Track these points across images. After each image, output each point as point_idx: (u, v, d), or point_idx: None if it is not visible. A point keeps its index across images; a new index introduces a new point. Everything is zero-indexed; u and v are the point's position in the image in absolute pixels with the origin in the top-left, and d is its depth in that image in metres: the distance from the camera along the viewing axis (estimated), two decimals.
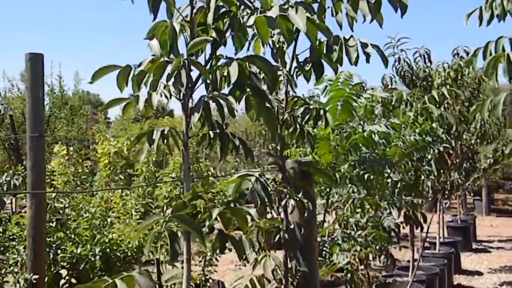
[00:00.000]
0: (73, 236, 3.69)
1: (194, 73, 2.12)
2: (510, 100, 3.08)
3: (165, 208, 3.96)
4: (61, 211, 3.83)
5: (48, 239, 3.47)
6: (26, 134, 3.53)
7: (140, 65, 2.05)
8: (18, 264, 3.37)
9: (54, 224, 3.66)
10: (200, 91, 2.13)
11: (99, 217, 3.90)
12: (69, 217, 3.74)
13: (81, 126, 12.32)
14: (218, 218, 1.89)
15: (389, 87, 5.56)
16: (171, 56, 1.96)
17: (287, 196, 2.51)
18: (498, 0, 3.25)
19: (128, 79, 1.91)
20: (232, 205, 1.96)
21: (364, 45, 2.43)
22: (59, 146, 4.58)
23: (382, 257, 4.01)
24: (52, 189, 4.02)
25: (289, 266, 2.60)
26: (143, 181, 4.53)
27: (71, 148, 5.29)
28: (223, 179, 5.35)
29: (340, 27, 2.49)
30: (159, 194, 4.26)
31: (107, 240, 3.71)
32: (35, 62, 3.62)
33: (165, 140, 1.89)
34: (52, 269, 3.51)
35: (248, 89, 2.09)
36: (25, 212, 3.66)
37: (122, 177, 4.87)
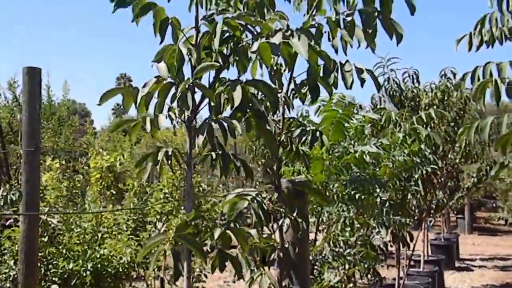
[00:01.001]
0: (64, 251, 3.69)
1: (197, 94, 2.19)
2: (497, 124, 3.19)
3: (157, 223, 3.98)
4: (52, 225, 3.82)
5: (39, 254, 3.46)
6: (19, 147, 3.53)
7: (145, 85, 2.11)
8: (10, 278, 3.34)
9: (46, 239, 3.65)
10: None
11: (91, 232, 3.90)
12: (61, 232, 3.73)
13: (68, 137, 12.21)
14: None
15: (378, 106, 5.70)
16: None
17: (282, 215, 2.57)
18: (487, 26, 3.39)
19: (136, 101, 1.97)
20: (232, 224, 2.01)
21: (359, 71, 2.52)
22: (51, 160, 4.58)
23: (369, 275, 4.08)
24: (44, 204, 4.02)
25: (283, 284, 2.65)
26: (134, 196, 4.54)
27: (63, 162, 5.27)
28: (214, 195, 5.40)
29: (336, 51, 2.59)
30: (151, 209, 4.28)
31: (98, 256, 3.70)
32: (33, 76, 3.64)
33: (169, 161, 1.94)
34: (43, 285, 3.49)
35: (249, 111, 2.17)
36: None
37: (114, 192, 4.87)
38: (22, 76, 3.66)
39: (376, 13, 2.40)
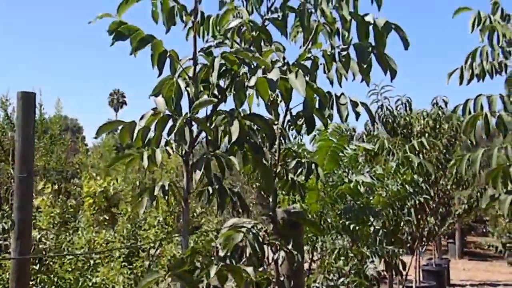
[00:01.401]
0: (56, 280, 3.60)
1: (194, 126, 2.18)
2: (488, 156, 3.22)
3: (151, 251, 3.92)
4: (44, 252, 3.75)
5: (31, 282, 3.38)
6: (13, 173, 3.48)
7: (142, 118, 2.10)
8: None
9: (37, 267, 3.57)
10: None
11: (83, 259, 3.83)
12: (53, 260, 3.65)
13: (60, 156, 12.05)
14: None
15: (372, 132, 5.73)
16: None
17: (277, 247, 2.55)
18: (478, 60, 3.44)
19: (132, 134, 1.95)
20: (228, 260, 1.98)
21: (354, 104, 2.53)
22: (44, 183, 4.52)
23: None
24: (36, 230, 3.95)
25: None
26: (127, 221, 4.48)
27: (55, 185, 5.21)
28: (208, 219, 5.35)
29: (331, 83, 2.60)
30: (145, 236, 4.22)
31: (90, 284, 3.63)
32: (27, 101, 3.62)
33: (166, 196, 1.92)
34: None
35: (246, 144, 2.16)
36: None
37: (107, 217, 4.81)
38: (16, 100, 3.63)
39: (370, 48, 2.43)
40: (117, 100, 64.85)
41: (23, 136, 3.53)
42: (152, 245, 3.98)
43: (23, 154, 3.50)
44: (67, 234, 4.08)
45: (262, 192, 7.09)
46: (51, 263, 3.70)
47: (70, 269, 3.78)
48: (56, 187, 5.07)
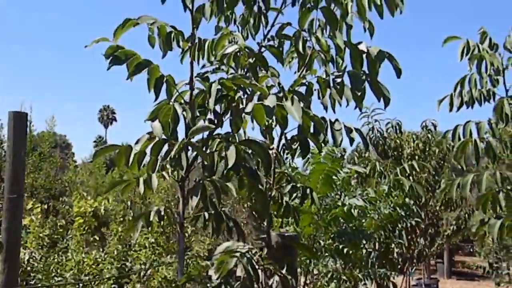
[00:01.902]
0: None
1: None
2: (477, 182, 3.24)
3: (141, 273, 3.85)
4: (32, 274, 3.66)
5: None
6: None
7: (137, 142, 2.09)
8: None
9: None
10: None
11: (72, 281, 3.74)
12: (41, 282, 3.56)
13: (49, 173, 11.89)
14: None
15: (363, 155, 5.76)
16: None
17: (272, 272, 2.52)
18: (466, 87, 3.50)
19: (128, 159, 1.94)
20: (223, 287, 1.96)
21: (348, 130, 2.54)
22: (33, 203, 4.45)
23: None
24: (25, 251, 3.87)
25: None
26: (117, 242, 4.41)
27: (44, 205, 5.12)
28: (199, 240, 5.29)
29: (326, 109, 2.62)
30: (135, 256, 4.14)
31: None
32: (19, 121, 3.57)
33: (161, 221, 1.90)
34: None
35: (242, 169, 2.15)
36: None
37: (97, 238, 4.73)
38: (7, 120, 3.59)
39: (364, 76, 2.45)
40: (107, 117, 64.49)
41: (14, 156, 3.47)
42: (143, 267, 3.91)
43: (14, 174, 3.44)
44: (56, 255, 4.00)
45: (254, 212, 7.05)
46: (39, 285, 3.60)
47: None
48: (45, 206, 4.98)
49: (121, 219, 5.01)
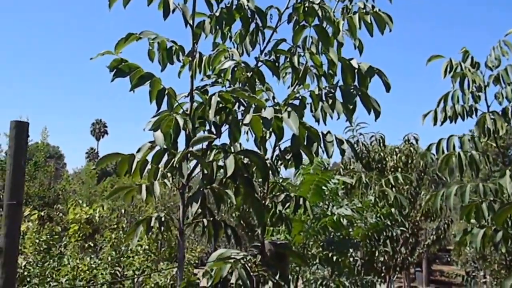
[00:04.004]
0: None
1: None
2: (461, 193, 3.28)
3: (135, 280, 3.80)
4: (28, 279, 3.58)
5: None
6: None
7: (139, 151, 2.08)
8: None
9: None
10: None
11: (67, 286, 3.67)
12: (37, 285, 3.49)
13: (43, 182, 11.76)
14: None
15: (348, 166, 5.79)
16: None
17: (265, 279, 2.51)
18: (449, 103, 3.55)
19: (131, 167, 1.93)
20: None
21: (340, 142, 2.56)
22: (30, 210, 4.37)
23: None
24: (22, 256, 3.79)
25: None
26: (111, 248, 4.35)
27: (41, 213, 5.03)
28: (190, 249, 5.24)
29: (318, 122, 2.63)
30: (127, 263, 4.09)
31: None
32: (20, 130, 3.52)
33: (162, 228, 1.89)
34: None
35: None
36: None
37: (92, 244, 4.66)
38: (9, 130, 3.55)
39: (355, 91, 2.48)
40: (99, 130, 64.28)
41: (15, 165, 3.41)
42: (137, 272, 3.86)
43: (14, 182, 3.36)
44: (52, 260, 3.93)
45: (242, 221, 7.02)
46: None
47: None
48: (41, 213, 4.91)
49: (115, 226, 4.95)
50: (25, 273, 3.56)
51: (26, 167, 9.82)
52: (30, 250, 3.85)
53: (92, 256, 4.41)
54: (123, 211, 5.87)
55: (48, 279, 3.71)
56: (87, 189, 11.07)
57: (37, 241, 3.89)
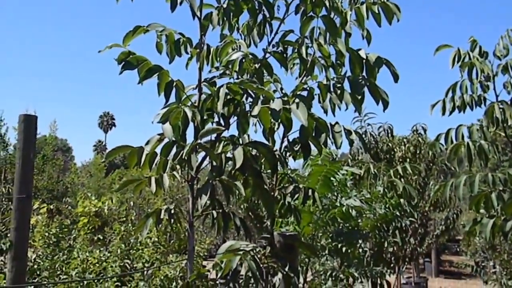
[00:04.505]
0: None
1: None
2: (470, 183, 3.26)
3: (145, 272, 3.84)
4: (38, 272, 3.63)
5: None
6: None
7: (148, 143, 2.09)
8: None
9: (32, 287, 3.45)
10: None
11: (77, 279, 3.71)
12: (47, 280, 3.53)
13: (51, 175, 11.84)
14: None
15: (356, 157, 5.78)
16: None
17: (275, 270, 2.52)
18: (458, 93, 3.53)
19: (140, 159, 1.94)
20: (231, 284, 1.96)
21: (348, 132, 2.56)
22: (39, 203, 4.42)
23: None
24: (32, 250, 3.84)
25: None
26: (120, 241, 4.39)
27: (50, 206, 5.09)
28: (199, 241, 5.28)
29: (326, 113, 2.63)
30: (136, 256, 4.13)
31: None
32: (29, 124, 3.56)
33: (172, 220, 1.90)
34: None
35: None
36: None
37: (101, 237, 4.71)
38: (18, 123, 3.58)
39: (363, 81, 2.47)
40: (107, 122, 64.68)
41: (24, 158, 3.46)
42: (146, 265, 3.90)
43: (23, 175, 3.42)
44: (61, 254, 3.97)
45: (251, 213, 7.04)
46: (45, 283, 3.58)
47: None
48: (51, 206, 4.96)
49: (124, 219, 4.99)
50: (35, 266, 3.61)
51: (34, 160, 9.85)
52: (39, 243, 3.89)
53: (102, 249, 4.45)
54: (132, 203, 5.92)
55: (58, 272, 3.76)
56: (95, 182, 11.14)
57: (46, 234, 3.93)
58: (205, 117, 2.19)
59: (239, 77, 2.35)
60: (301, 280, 3.42)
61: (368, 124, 5.80)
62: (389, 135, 5.97)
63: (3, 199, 7.32)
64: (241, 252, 2.22)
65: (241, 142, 2.20)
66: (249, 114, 2.11)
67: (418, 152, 6.09)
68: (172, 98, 2.22)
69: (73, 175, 10.67)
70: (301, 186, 2.58)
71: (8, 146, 8.57)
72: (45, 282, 3.38)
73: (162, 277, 4.02)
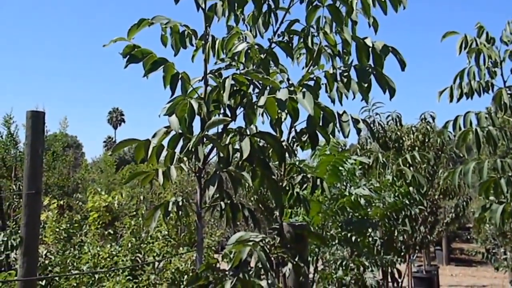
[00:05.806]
0: None
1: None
2: (479, 169, 3.23)
3: (156, 264, 3.86)
4: (50, 268, 3.67)
5: None
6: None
7: (154, 136, 2.09)
8: None
9: (44, 283, 3.48)
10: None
11: (88, 271, 3.74)
12: (58, 273, 3.57)
13: (62, 172, 11.93)
14: None
15: (365, 147, 5.75)
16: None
17: (285, 260, 2.52)
18: (465, 79, 3.49)
19: (147, 152, 1.94)
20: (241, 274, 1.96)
21: (355, 121, 2.53)
22: (49, 199, 4.45)
23: None
24: (43, 245, 3.87)
25: None
26: (131, 235, 4.42)
27: (60, 202, 5.13)
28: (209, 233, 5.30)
29: (333, 102, 2.61)
30: (147, 249, 4.15)
31: None
32: (37, 119, 3.57)
33: (180, 212, 1.90)
34: None
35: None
36: None
37: (112, 232, 4.74)
38: (25, 119, 3.60)
39: (370, 69, 2.45)
40: (116, 118, 65.04)
41: (32, 154, 3.47)
42: (157, 258, 3.92)
43: (32, 171, 3.44)
44: (72, 249, 4.01)
45: (260, 205, 7.04)
46: (56, 278, 3.61)
47: (75, 284, 3.69)
48: (61, 202, 4.99)
49: (134, 213, 5.02)
50: (47, 261, 3.64)
51: (44, 157, 9.93)
52: (50, 239, 3.93)
53: (113, 243, 4.49)
54: (142, 198, 5.95)
55: (69, 267, 3.79)
56: (106, 177, 11.21)
57: (57, 230, 3.96)
58: (211, 109, 2.18)
59: (245, 68, 2.34)
60: (312, 269, 3.42)
61: (376, 114, 5.76)
62: (398, 123, 5.92)
63: (14, 196, 7.39)
64: (250, 243, 2.22)
65: (248, 133, 2.19)
66: (255, 105, 2.10)
67: (426, 140, 6.04)
68: (179, 91, 2.21)
69: (83, 171, 10.74)
70: (309, 176, 2.56)
71: (18, 144, 8.62)
72: (57, 275, 3.42)
73: (173, 270, 4.04)
